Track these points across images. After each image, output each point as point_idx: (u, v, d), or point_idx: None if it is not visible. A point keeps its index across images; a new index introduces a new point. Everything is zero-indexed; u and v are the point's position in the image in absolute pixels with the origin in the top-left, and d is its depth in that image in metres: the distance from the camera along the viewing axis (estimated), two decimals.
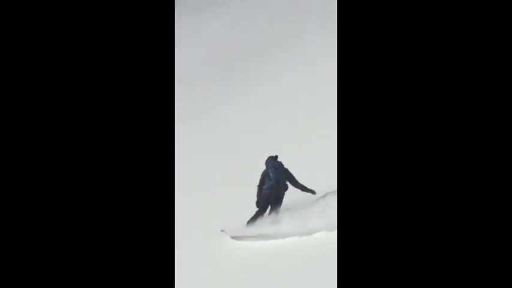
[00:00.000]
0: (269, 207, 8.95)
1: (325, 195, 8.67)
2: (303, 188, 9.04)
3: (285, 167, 9.10)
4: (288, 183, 9.03)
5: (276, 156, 9.19)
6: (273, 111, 14.96)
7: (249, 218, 8.99)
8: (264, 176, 9.05)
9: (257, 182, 9.14)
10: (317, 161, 10.24)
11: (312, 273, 7.04)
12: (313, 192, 8.96)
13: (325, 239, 7.79)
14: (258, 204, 9.03)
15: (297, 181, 9.07)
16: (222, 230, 9.13)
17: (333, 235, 7.10)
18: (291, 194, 9.10)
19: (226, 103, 16.90)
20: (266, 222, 8.76)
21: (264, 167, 9.15)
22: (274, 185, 8.94)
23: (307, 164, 10.12)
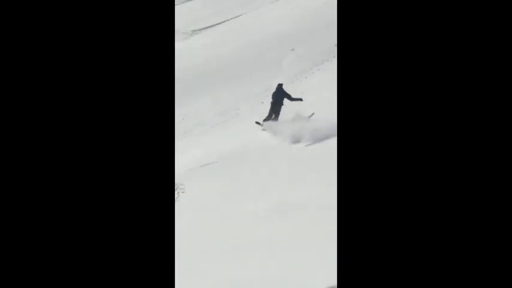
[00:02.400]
0: (273, 115, 15.52)
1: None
2: (292, 99, 15.56)
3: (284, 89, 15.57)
4: (285, 99, 15.43)
5: (281, 84, 15.70)
6: None
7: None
8: (272, 96, 15.80)
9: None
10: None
11: None
12: (300, 99, 15.55)
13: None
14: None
15: (290, 96, 15.51)
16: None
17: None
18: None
19: None
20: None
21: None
22: (273, 102, 15.68)
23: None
